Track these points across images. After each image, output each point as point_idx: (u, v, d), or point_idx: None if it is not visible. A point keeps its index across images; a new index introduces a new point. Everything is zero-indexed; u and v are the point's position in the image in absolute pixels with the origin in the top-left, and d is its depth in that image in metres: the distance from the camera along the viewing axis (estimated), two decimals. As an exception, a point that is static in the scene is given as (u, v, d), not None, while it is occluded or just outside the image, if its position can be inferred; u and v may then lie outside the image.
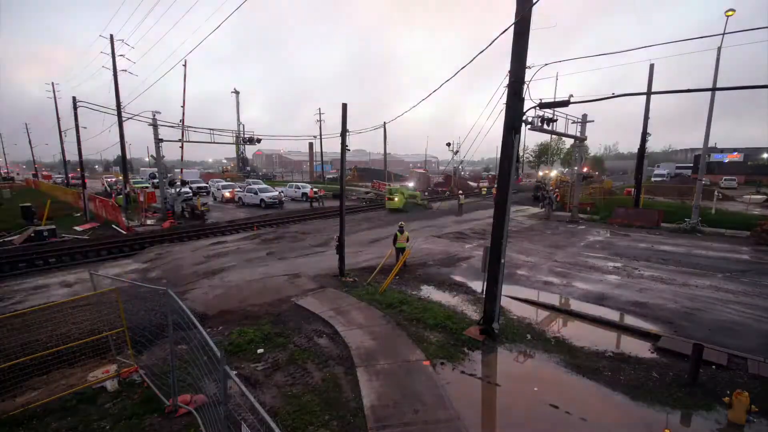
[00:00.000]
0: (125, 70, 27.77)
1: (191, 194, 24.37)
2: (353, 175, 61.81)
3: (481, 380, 6.70)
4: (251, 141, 27.36)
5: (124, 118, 25.48)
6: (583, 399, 6.19)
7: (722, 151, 69.94)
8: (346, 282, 11.83)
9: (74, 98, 22.83)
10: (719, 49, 18.94)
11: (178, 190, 23.81)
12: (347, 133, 11.72)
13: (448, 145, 45.62)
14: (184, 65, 22.63)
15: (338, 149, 12.07)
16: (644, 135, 23.73)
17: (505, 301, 10.28)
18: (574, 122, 22.36)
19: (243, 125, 77.02)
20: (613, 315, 9.48)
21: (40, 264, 14.42)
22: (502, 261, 8.34)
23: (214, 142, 25.81)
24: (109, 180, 46.86)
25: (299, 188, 35.42)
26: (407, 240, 13.11)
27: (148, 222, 22.61)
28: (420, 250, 16.14)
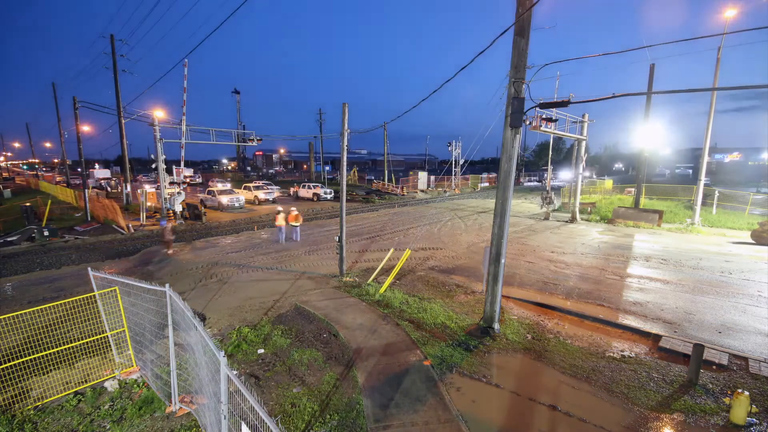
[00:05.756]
0: (126, 71, 27.82)
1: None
2: (354, 175, 61.80)
3: (481, 381, 6.70)
4: (252, 141, 27.37)
5: (124, 119, 25.55)
6: (583, 400, 6.18)
7: (723, 150, 69.92)
8: (346, 282, 11.83)
9: (74, 98, 22.85)
10: (719, 49, 18.95)
11: (179, 190, 23.82)
12: (347, 133, 11.72)
13: (449, 144, 45.69)
14: (185, 65, 22.64)
15: (338, 148, 12.07)
16: (645, 135, 23.74)
17: (505, 301, 10.29)
18: (574, 122, 22.40)
19: (243, 125, 77.18)
20: (613, 315, 9.47)
21: (40, 263, 14.41)
22: (502, 261, 8.34)
23: (214, 143, 25.82)
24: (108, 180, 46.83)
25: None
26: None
27: (149, 222, 22.63)
28: (420, 250, 16.14)
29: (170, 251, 15.75)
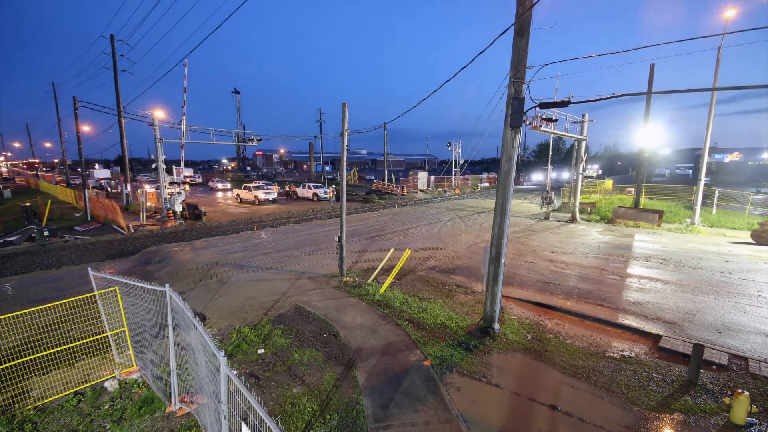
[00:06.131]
0: (126, 71, 27.82)
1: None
2: (354, 176, 61.83)
3: (481, 380, 6.70)
4: (252, 141, 27.38)
5: (124, 119, 25.55)
6: (583, 400, 6.18)
7: (723, 150, 70.02)
8: (346, 282, 11.83)
9: (74, 98, 22.85)
10: (719, 49, 18.95)
11: (179, 189, 23.85)
12: (347, 133, 11.71)
13: (449, 144, 45.70)
14: (185, 65, 22.65)
15: (338, 148, 12.07)
16: (645, 135, 23.75)
17: (505, 301, 10.29)
18: (574, 122, 22.40)
19: (243, 125, 77.27)
20: (613, 315, 9.47)
21: (40, 263, 14.41)
22: (502, 261, 8.34)
23: (214, 143, 25.82)
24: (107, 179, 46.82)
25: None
26: None
27: (149, 222, 22.63)
28: (420, 250, 16.14)
29: None
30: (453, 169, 48.32)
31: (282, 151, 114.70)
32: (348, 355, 7.48)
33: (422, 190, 46.78)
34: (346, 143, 11.80)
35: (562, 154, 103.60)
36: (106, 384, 6.51)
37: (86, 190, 24.10)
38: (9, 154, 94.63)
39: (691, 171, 62.58)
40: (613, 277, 12.51)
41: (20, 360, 6.36)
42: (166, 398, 5.95)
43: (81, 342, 7.17)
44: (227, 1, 11.73)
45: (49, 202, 25.76)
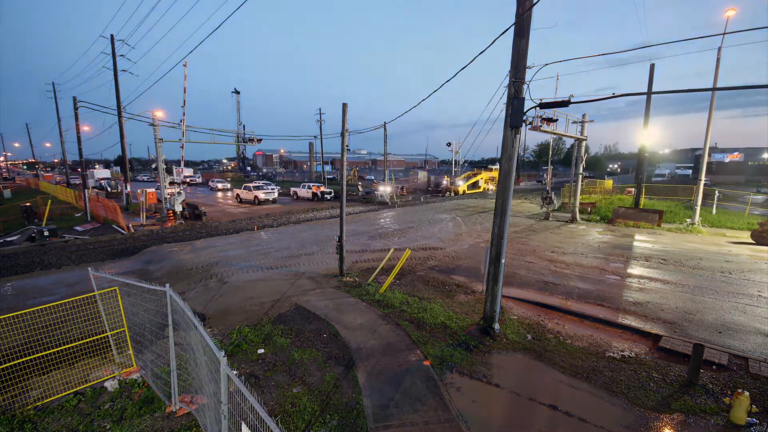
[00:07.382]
0: (125, 70, 27.83)
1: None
2: (353, 176, 61.84)
3: (481, 380, 6.70)
4: (252, 141, 27.38)
5: (124, 118, 25.55)
6: (583, 400, 6.18)
7: (723, 150, 70.09)
8: (346, 282, 11.83)
9: (74, 98, 22.85)
10: (719, 49, 18.96)
11: (179, 189, 23.86)
12: (347, 133, 11.71)
13: (449, 144, 45.74)
14: (185, 66, 22.68)
15: (338, 148, 12.07)
16: (645, 135, 23.76)
17: (505, 301, 10.29)
18: (574, 122, 22.40)
19: (243, 125, 77.33)
20: (613, 315, 9.47)
21: (40, 263, 14.41)
22: (502, 261, 8.34)
23: (214, 143, 25.81)
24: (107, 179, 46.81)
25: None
26: None
27: (149, 222, 22.63)
28: (420, 250, 16.14)
29: None
30: (453, 169, 48.37)
31: (282, 151, 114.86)
32: (348, 354, 7.48)
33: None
34: (346, 143, 11.80)
35: (562, 154, 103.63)
36: (106, 384, 6.51)
37: (86, 190, 24.10)
38: (9, 154, 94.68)
39: (691, 171, 62.63)
40: (613, 277, 12.51)
41: (20, 360, 6.35)
42: (166, 398, 5.95)
43: (81, 342, 7.17)
44: (227, 1, 11.72)
45: (49, 202, 25.76)
